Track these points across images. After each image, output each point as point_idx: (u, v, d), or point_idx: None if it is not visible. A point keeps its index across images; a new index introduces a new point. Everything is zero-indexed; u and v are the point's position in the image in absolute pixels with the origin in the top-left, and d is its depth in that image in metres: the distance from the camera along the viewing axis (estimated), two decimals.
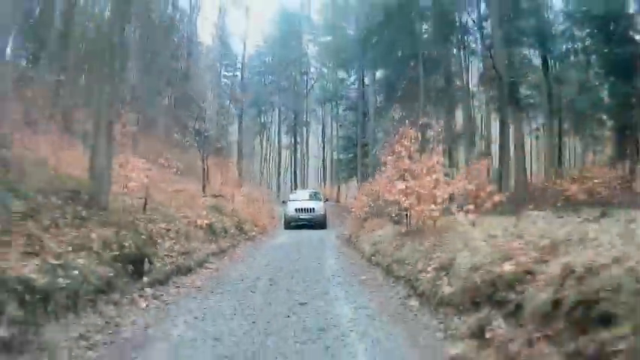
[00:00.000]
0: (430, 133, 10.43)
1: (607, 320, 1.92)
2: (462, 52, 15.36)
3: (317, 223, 13.99)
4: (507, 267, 2.83)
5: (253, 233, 10.54)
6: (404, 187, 5.19)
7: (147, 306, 3.76)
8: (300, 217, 14.20)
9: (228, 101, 29.85)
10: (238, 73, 31.98)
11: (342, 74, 27.65)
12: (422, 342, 3.01)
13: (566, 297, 2.19)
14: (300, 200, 15.20)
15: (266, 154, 37.00)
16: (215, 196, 11.30)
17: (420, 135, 6.17)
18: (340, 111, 29.06)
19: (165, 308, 3.80)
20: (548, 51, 13.91)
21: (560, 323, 2.16)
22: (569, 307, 2.14)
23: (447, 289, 3.43)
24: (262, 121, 35.49)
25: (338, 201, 23.80)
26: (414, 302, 3.97)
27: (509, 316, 2.62)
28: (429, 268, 3.97)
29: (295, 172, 33.78)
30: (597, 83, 13.08)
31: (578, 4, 12.74)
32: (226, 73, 33.04)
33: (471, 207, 4.74)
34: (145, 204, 6.02)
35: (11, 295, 2.45)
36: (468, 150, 14.84)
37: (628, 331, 1.80)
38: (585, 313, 2.04)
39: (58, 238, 3.50)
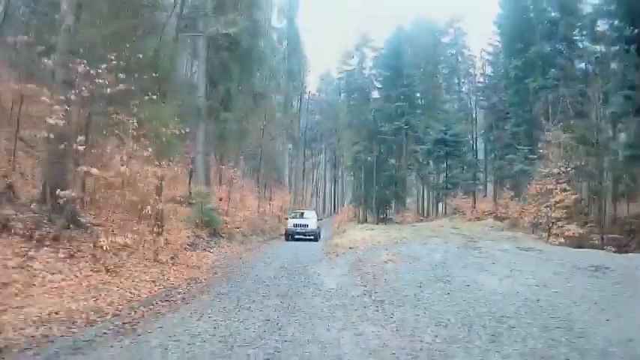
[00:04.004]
0: None
1: None
2: None
3: (310, 236, 17.15)
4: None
5: None
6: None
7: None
8: (296, 231, 17.35)
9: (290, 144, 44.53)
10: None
11: None
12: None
13: None
14: (297, 218, 18.60)
15: (316, 184, 51.90)
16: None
17: None
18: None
19: (269, 244, 17.95)
20: None
21: None
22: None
23: None
24: (313, 161, 50.36)
25: None
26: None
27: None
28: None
29: (334, 197, 48.10)
30: None
31: None
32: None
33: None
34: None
35: None
36: None
37: None
38: None
39: None
